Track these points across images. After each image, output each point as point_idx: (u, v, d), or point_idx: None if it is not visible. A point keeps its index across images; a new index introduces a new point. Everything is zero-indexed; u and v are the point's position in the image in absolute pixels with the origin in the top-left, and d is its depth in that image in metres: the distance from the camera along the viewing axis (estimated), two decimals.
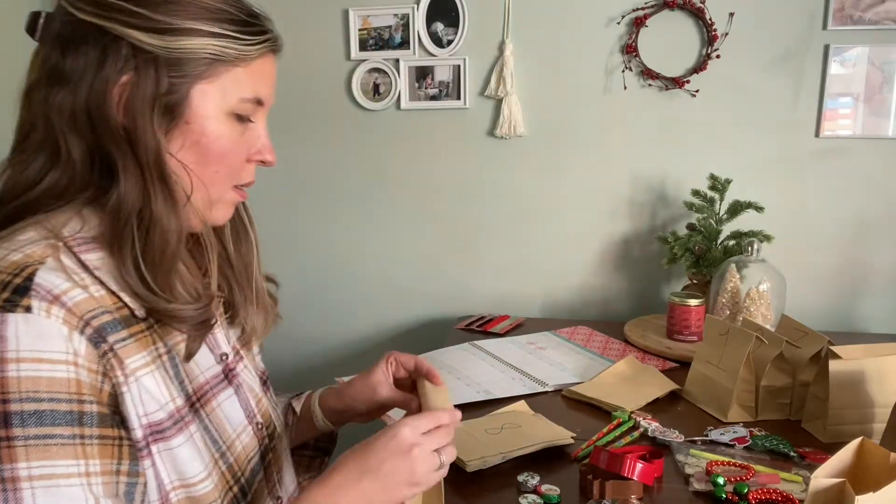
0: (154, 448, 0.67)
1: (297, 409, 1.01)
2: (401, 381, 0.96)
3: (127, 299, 0.68)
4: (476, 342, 1.59)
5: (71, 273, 0.64)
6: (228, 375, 0.82)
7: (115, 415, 0.65)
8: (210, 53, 0.67)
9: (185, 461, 0.69)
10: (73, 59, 0.65)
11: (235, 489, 0.76)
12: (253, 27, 0.71)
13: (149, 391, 0.68)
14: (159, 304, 0.68)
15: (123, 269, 0.67)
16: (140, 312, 0.69)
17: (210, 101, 0.69)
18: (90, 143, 0.67)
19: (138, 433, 0.66)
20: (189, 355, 0.74)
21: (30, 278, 0.61)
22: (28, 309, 0.59)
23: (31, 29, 0.70)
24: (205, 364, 0.78)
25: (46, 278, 0.62)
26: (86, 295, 0.64)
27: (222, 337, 0.83)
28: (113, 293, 0.67)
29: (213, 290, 0.77)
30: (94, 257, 0.67)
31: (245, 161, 0.75)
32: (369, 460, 0.73)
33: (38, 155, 0.68)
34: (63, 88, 0.66)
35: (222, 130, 0.70)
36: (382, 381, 0.94)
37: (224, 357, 0.82)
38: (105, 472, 0.62)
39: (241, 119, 0.72)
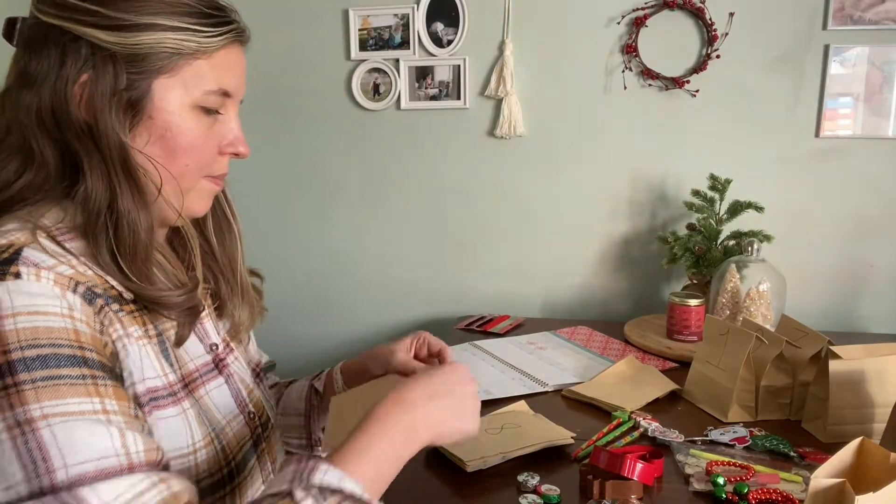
0: (150, 414, 0.67)
1: (320, 388, 1.03)
2: (422, 360, 0.97)
3: (113, 282, 0.68)
4: (476, 342, 1.59)
5: (56, 255, 0.65)
6: (219, 365, 0.82)
7: (116, 371, 0.65)
8: (168, 47, 0.68)
9: (177, 433, 0.69)
10: (37, 62, 0.66)
11: (225, 471, 0.76)
12: (214, 18, 0.71)
13: (148, 356, 0.69)
14: (143, 290, 0.69)
15: (101, 258, 0.67)
16: (128, 295, 0.69)
17: (172, 94, 0.69)
18: (59, 142, 0.68)
19: (139, 389, 0.66)
20: (180, 340, 0.74)
21: (17, 253, 0.62)
22: (17, 275, 0.60)
23: (7, 34, 0.71)
24: (194, 352, 0.79)
25: (33, 254, 0.63)
26: (73, 271, 0.65)
27: (211, 328, 0.84)
28: (99, 276, 0.67)
29: (199, 278, 0.77)
30: (75, 245, 0.68)
31: (217, 154, 0.75)
32: (435, 385, 0.73)
33: (14, 157, 0.68)
34: (30, 90, 0.67)
35: (188, 124, 0.71)
36: (402, 349, 0.95)
37: (214, 347, 0.83)
38: (124, 413, 0.60)
39: (209, 112, 0.72)
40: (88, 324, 0.63)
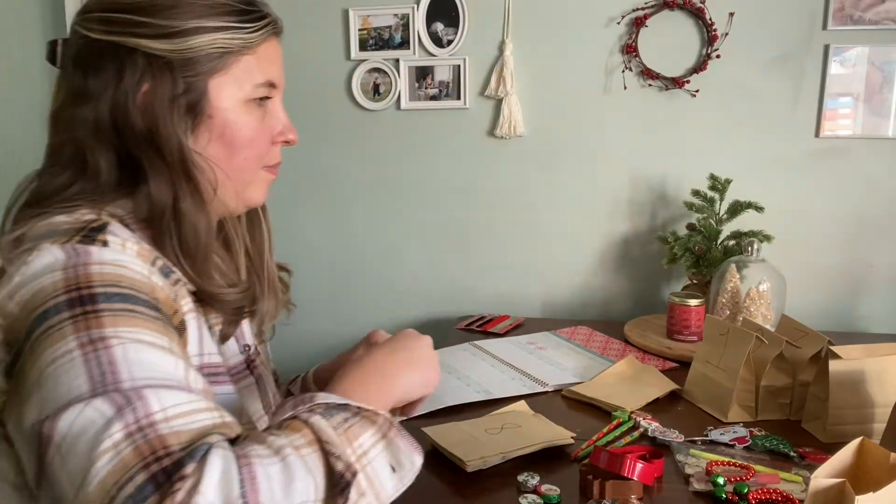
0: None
1: (296, 393, 1.03)
2: None
3: (178, 272, 0.71)
4: (476, 342, 1.59)
5: (132, 237, 0.68)
6: (250, 366, 0.85)
7: (183, 337, 0.68)
8: (217, 47, 0.70)
9: (230, 410, 0.71)
10: (94, 78, 0.69)
11: None
12: (252, 14, 0.73)
13: (206, 337, 0.73)
14: (204, 285, 0.72)
15: (166, 254, 0.71)
16: (189, 286, 0.72)
17: (226, 92, 0.72)
18: (118, 152, 0.70)
19: (199, 363, 0.70)
20: (224, 337, 0.78)
21: (104, 225, 0.65)
22: (105, 243, 0.64)
23: (51, 58, 0.74)
24: (231, 350, 0.82)
25: (117, 228, 0.66)
26: (150, 248, 0.69)
27: (247, 328, 0.87)
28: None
29: (244, 278, 0.82)
30: (143, 235, 0.71)
31: (270, 144, 0.79)
32: (395, 344, 0.77)
33: (67, 169, 0.70)
34: (87, 105, 0.69)
35: (244, 118, 0.74)
36: (363, 346, 0.95)
37: (247, 348, 0.85)
38: (187, 362, 0.62)
39: (259, 103, 0.76)
40: (165, 291, 0.66)
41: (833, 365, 1.10)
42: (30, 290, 0.58)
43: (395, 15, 1.84)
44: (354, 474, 0.57)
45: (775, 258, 1.53)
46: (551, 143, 1.83)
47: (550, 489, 0.95)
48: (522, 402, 1.24)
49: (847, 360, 1.10)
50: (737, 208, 1.62)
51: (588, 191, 1.83)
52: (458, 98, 1.84)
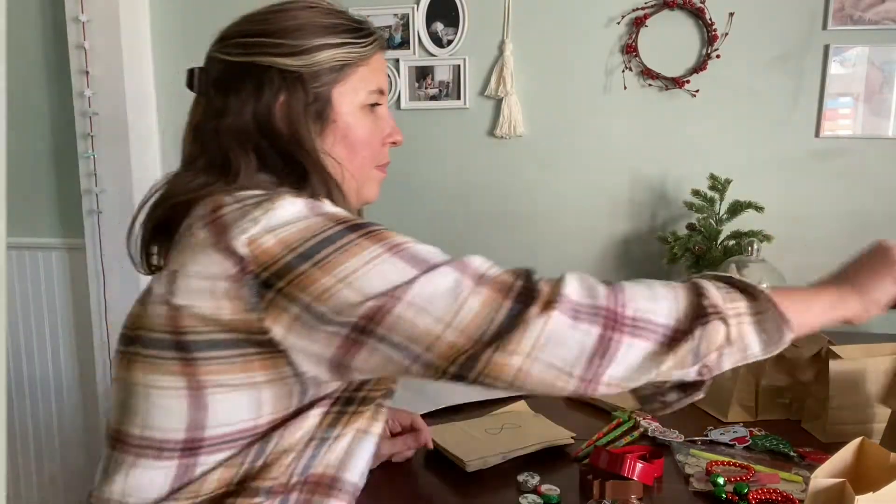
0: None
1: None
2: (397, 434, 1.05)
3: None
4: None
5: None
6: None
7: None
8: (339, 61, 0.80)
9: None
10: (235, 94, 0.78)
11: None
12: (362, 31, 0.82)
13: None
14: None
15: None
16: None
17: (346, 99, 0.81)
18: (259, 156, 0.78)
19: None
20: None
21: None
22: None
23: (190, 84, 0.83)
24: None
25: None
26: None
27: None
28: None
29: None
30: None
31: (381, 145, 0.87)
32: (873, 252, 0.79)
33: (206, 172, 0.78)
34: (228, 117, 0.78)
35: (361, 122, 0.83)
36: (383, 438, 0.98)
37: None
38: None
39: (372, 108, 0.84)
40: None
41: (833, 365, 1.10)
42: (294, 227, 0.68)
43: (395, 15, 1.84)
44: (722, 318, 0.66)
45: (775, 258, 1.53)
46: (551, 143, 1.83)
47: (550, 489, 0.95)
48: (522, 402, 1.24)
49: (847, 360, 1.10)
50: (737, 208, 1.62)
51: (588, 191, 1.83)
52: (458, 98, 1.84)
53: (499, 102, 1.82)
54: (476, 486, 0.98)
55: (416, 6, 1.82)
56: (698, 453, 1.06)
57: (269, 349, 0.67)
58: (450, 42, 1.82)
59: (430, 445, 1.04)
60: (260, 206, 0.69)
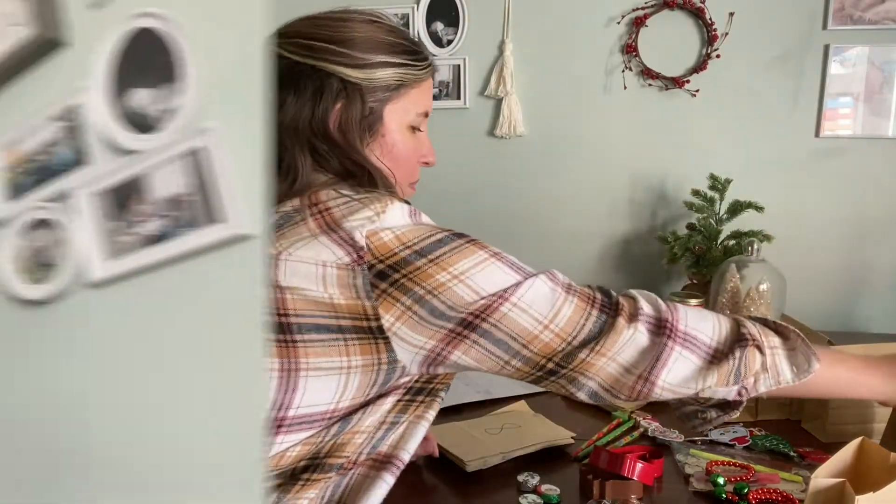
0: None
1: None
2: None
3: None
4: None
5: None
6: None
7: None
8: (396, 80, 0.83)
9: None
10: (293, 94, 0.80)
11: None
12: (419, 55, 0.85)
13: None
14: None
15: None
16: None
17: (396, 117, 0.85)
18: (313, 155, 0.80)
19: None
20: None
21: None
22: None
23: None
24: None
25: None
26: None
27: None
28: None
29: None
30: None
31: (416, 164, 0.92)
32: None
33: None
34: (285, 115, 0.79)
35: (406, 140, 0.87)
36: None
37: None
38: None
39: (415, 129, 0.88)
40: None
41: None
42: (407, 228, 0.75)
43: (395, 15, 1.84)
44: (758, 346, 0.76)
45: (775, 258, 1.53)
46: (551, 143, 1.83)
47: (550, 489, 0.95)
48: (522, 402, 1.24)
49: None
50: (737, 208, 1.62)
51: (588, 191, 1.83)
52: (458, 98, 1.84)
53: (499, 102, 1.82)
54: (476, 486, 0.98)
55: (416, 6, 1.82)
56: (698, 453, 1.06)
57: (373, 336, 0.72)
58: (450, 42, 1.82)
59: (437, 454, 1.04)
60: (372, 205, 0.74)
